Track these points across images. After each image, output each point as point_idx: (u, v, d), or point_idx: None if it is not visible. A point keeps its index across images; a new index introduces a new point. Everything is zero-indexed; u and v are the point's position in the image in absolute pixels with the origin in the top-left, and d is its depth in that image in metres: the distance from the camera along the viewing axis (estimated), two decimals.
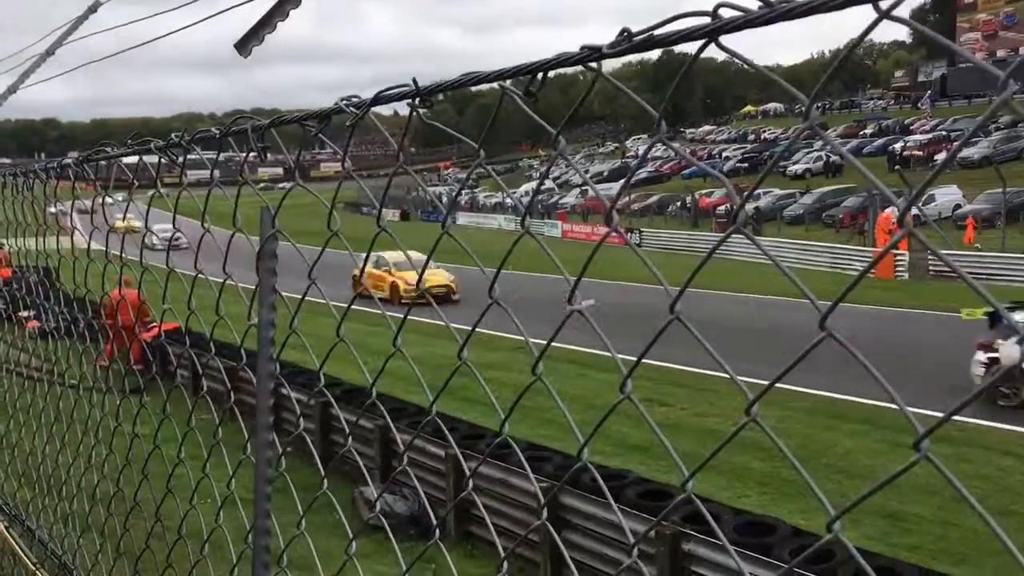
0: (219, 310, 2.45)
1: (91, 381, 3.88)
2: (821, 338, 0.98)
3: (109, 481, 3.48)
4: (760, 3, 0.96)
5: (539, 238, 1.46)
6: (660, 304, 1.37)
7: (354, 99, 1.68)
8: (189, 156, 2.52)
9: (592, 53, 1.18)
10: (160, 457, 3.02)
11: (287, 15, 2.66)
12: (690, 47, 1.11)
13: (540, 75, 1.30)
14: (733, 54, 1.10)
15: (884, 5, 0.93)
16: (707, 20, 1.03)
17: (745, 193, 1.19)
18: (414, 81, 1.48)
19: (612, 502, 1.46)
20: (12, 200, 4.16)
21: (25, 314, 5.86)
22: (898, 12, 0.93)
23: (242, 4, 3.11)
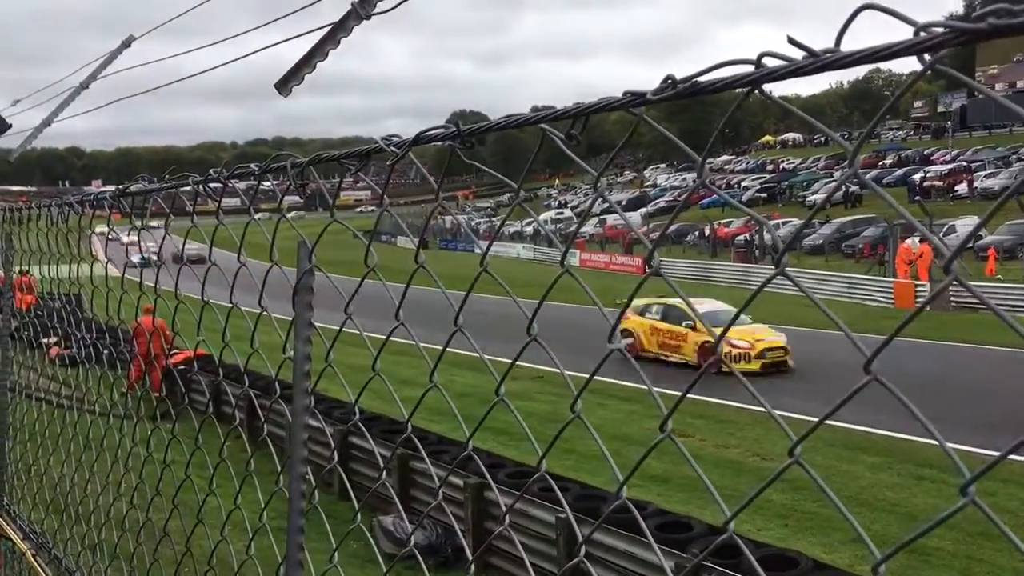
0: (254, 342, 2.48)
1: (121, 409, 3.91)
2: (866, 381, 0.99)
3: (139, 510, 3.50)
4: (804, 53, 0.98)
5: (579, 278, 1.48)
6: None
7: (394, 138, 1.71)
8: (219, 185, 2.56)
9: (636, 99, 1.21)
10: (190, 486, 3.04)
11: (327, 55, 2.73)
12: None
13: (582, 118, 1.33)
14: (776, 102, 1.12)
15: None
16: (751, 68, 1.05)
17: (787, 241, 1.21)
18: (456, 124, 1.51)
19: (653, 542, 1.47)
20: (47, 231, 4.22)
21: (48, 341, 5.89)
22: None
23: (278, 44, 3.19)
